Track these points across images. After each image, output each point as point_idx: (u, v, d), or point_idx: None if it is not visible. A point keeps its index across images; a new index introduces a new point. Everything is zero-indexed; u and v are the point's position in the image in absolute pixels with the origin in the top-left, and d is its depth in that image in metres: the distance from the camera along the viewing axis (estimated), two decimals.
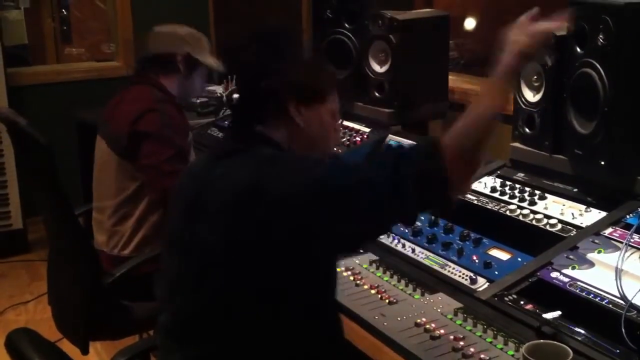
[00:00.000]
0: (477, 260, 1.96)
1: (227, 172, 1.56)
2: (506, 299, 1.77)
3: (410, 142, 2.63)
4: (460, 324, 1.71)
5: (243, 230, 1.48)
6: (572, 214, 2.02)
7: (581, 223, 1.97)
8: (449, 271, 1.96)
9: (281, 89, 1.60)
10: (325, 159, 1.65)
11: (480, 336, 1.65)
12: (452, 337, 1.65)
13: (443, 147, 1.50)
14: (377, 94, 2.92)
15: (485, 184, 2.29)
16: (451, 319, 1.74)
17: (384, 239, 2.17)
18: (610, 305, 1.64)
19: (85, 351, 2.45)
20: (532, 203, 2.12)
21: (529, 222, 2.06)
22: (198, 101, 3.70)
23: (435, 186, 1.49)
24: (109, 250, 2.65)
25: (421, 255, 2.06)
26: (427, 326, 1.70)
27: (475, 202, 2.24)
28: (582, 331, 1.59)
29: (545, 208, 2.08)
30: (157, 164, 2.49)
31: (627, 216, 1.93)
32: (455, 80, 3.28)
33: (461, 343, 1.62)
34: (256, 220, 1.46)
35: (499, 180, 2.29)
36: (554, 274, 1.80)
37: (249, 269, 1.48)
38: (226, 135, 1.69)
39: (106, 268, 2.51)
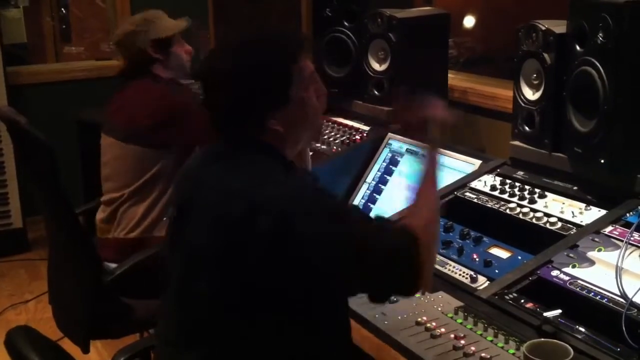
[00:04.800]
0: (477, 259, 1.96)
1: (218, 178, 1.56)
2: (507, 297, 1.78)
3: (410, 143, 2.63)
4: (460, 323, 1.71)
5: (235, 235, 1.48)
6: (572, 212, 2.02)
7: (581, 221, 1.97)
8: (449, 270, 1.96)
9: (249, 106, 1.56)
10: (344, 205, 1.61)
11: (480, 335, 1.65)
12: (452, 335, 1.66)
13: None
14: (376, 92, 2.92)
15: (485, 183, 2.29)
16: (452, 317, 1.74)
17: None
18: (611, 304, 1.65)
19: (86, 350, 2.45)
20: (532, 201, 2.12)
21: (529, 220, 2.06)
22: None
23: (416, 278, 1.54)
24: (115, 235, 2.67)
25: None
26: (428, 325, 1.70)
27: (475, 200, 2.24)
28: (583, 329, 1.59)
29: (545, 206, 2.09)
30: (182, 144, 2.60)
31: (627, 214, 1.93)
32: (454, 79, 3.28)
33: (462, 342, 1.62)
34: (255, 232, 1.45)
35: (498, 179, 2.29)
36: (554, 273, 1.80)
37: (241, 272, 1.48)
38: (218, 137, 1.66)
39: (110, 256, 2.53)
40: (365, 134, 2.89)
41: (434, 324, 1.71)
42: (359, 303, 1.83)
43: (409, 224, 1.54)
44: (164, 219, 2.63)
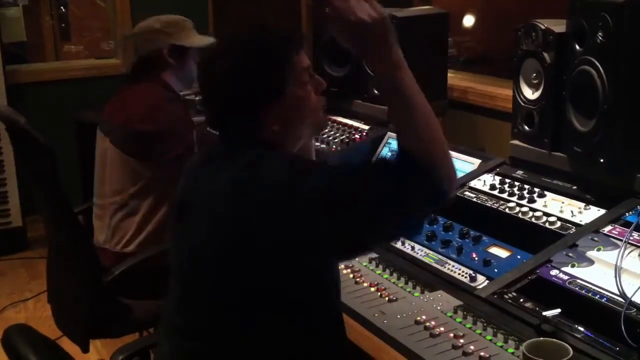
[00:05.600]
0: (476, 258, 1.96)
1: (214, 175, 1.56)
2: (506, 296, 1.78)
3: None
4: (460, 322, 1.71)
5: (233, 234, 1.48)
6: (572, 211, 2.02)
7: (580, 221, 1.97)
8: (448, 269, 1.96)
9: (243, 105, 1.55)
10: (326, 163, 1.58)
11: (480, 334, 1.65)
12: (451, 334, 1.66)
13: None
14: (376, 92, 2.92)
15: (484, 182, 2.29)
16: (451, 316, 1.74)
17: None
18: (610, 303, 1.65)
19: (85, 349, 2.45)
20: (532, 201, 2.12)
21: (529, 219, 2.06)
22: (197, 98, 3.70)
23: (430, 190, 1.44)
24: (112, 247, 2.63)
25: (421, 253, 2.06)
26: (427, 324, 1.70)
27: (475, 199, 2.24)
28: (582, 329, 1.59)
29: (545, 206, 2.09)
30: (169, 160, 2.51)
31: (627, 214, 1.93)
32: (454, 78, 3.29)
33: (461, 341, 1.62)
34: (247, 224, 1.45)
35: (498, 178, 2.29)
36: (554, 272, 1.80)
37: (239, 271, 1.48)
38: (218, 136, 1.66)
39: (108, 265, 2.51)
40: (365, 133, 2.89)
41: (433, 323, 1.71)
42: (358, 302, 1.83)
43: (402, 148, 1.44)
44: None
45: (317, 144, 2.93)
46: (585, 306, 1.67)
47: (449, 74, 3.10)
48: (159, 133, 2.53)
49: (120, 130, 2.61)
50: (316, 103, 1.63)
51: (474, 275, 1.89)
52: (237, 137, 1.59)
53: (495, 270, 1.89)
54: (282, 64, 1.55)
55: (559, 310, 1.64)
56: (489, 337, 1.63)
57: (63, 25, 6.19)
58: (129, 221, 2.61)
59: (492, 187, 2.25)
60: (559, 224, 1.99)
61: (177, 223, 1.65)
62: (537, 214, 2.05)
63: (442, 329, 1.68)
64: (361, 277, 1.97)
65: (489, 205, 2.19)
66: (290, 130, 1.59)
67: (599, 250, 1.83)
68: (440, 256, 2.02)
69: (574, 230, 1.95)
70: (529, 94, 2.28)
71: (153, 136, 2.53)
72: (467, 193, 2.28)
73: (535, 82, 2.26)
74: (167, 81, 2.70)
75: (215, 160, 1.61)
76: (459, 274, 1.92)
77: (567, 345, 1.46)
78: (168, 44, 2.68)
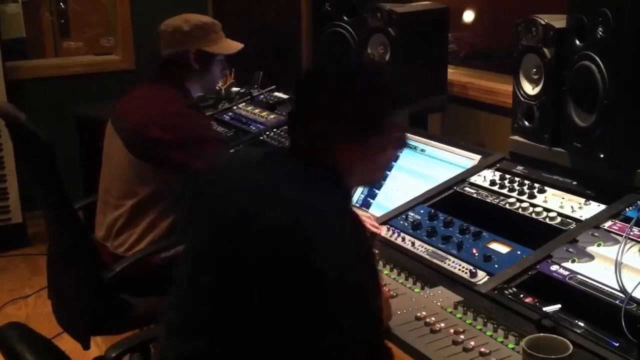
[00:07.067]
0: (476, 254, 1.96)
1: (265, 183, 1.54)
2: (506, 292, 1.78)
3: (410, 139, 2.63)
4: (460, 318, 1.71)
5: (233, 233, 1.47)
6: (572, 207, 2.02)
7: (581, 216, 1.97)
8: (448, 264, 1.96)
9: (387, 127, 1.55)
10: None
11: (480, 329, 1.65)
12: (452, 330, 1.66)
13: None
14: None
15: (484, 177, 2.29)
16: (451, 312, 1.74)
17: (384, 232, 2.18)
18: (610, 299, 1.65)
19: (86, 346, 2.44)
20: (532, 196, 2.12)
21: (529, 215, 2.06)
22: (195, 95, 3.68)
23: None
24: (112, 248, 2.57)
25: (421, 248, 2.06)
26: (427, 320, 1.70)
27: (475, 195, 2.24)
28: (582, 324, 1.59)
29: (545, 201, 2.09)
30: (177, 171, 2.36)
31: (627, 209, 1.93)
32: (454, 74, 3.28)
33: (461, 336, 1.62)
34: (248, 226, 1.46)
35: (498, 174, 2.29)
36: (554, 267, 1.80)
37: (239, 271, 1.48)
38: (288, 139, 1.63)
39: (107, 263, 2.50)
40: None
41: (433, 318, 1.71)
42: None
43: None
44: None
45: None
46: (585, 301, 1.67)
47: (449, 70, 3.10)
48: (171, 142, 2.45)
49: (133, 131, 2.51)
50: (387, 163, 1.66)
51: (474, 270, 1.89)
52: (310, 151, 1.55)
53: (496, 266, 1.89)
54: (386, 113, 1.56)
55: (559, 305, 1.64)
56: (489, 333, 1.64)
57: (63, 21, 6.18)
58: (135, 227, 2.54)
59: (492, 182, 2.25)
60: (559, 219, 1.99)
61: (188, 222, 1.64)
62: (537, 209, 2.05)
63: (442, 324, 1.68)
64: None
65: (489, 200, 2.19)
66: (369, 168, 1.59)
67: (599, 245, 1.83)
68: (440, 252, 2.02)
69: (574, 225, 1.95)
70: (529, 89, 2.27)
71: (164, 144, 2.45)
72: (467, 189, 2.28)
73: (535, 77, 2.25)
74: (187, 87, 2.63)
75: (270, 168, 1.57)
76: (459, 269, 1.92)
77: (567, 340, 1.46)
78: (195, 48, 2.60)
